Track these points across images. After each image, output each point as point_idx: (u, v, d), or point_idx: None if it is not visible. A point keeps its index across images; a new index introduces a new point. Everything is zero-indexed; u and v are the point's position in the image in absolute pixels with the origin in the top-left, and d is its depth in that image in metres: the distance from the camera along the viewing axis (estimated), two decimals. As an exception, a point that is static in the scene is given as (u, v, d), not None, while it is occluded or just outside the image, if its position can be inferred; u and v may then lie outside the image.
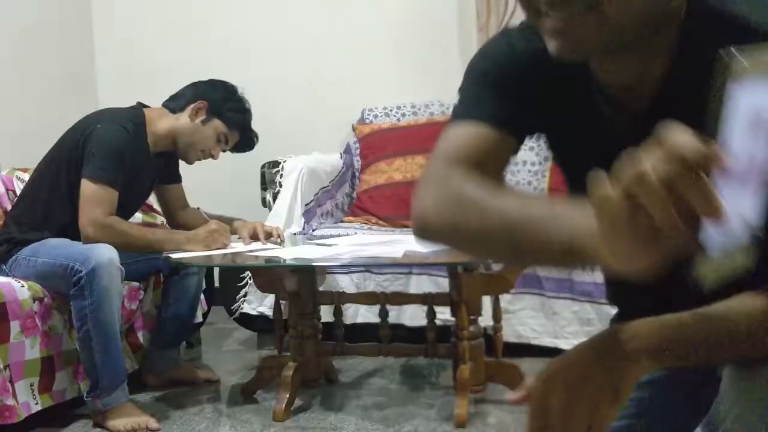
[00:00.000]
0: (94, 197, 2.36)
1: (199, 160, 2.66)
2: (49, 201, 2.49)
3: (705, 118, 0.66)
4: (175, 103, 2.62)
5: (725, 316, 0.82)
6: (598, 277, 2.75)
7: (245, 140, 2.69)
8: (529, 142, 3.85)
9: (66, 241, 2.41)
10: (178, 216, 2.80)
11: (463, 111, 1.10)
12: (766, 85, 0.65)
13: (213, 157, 2.66)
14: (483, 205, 0.87)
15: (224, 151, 2.69)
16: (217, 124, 2.60)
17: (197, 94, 2.61)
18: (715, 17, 0.84)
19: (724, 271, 0.66)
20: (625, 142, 0.74)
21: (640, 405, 1.05)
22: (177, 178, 2.81)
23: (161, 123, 2.58)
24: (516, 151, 1.04)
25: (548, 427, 0.85)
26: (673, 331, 0.83)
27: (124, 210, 2.53)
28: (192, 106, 2.58)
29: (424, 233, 0.97)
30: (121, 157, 2.43)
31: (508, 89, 1.03)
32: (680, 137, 0.62)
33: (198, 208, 2.78)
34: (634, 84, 0.88)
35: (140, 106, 2.63)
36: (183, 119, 2.59)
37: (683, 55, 0.87)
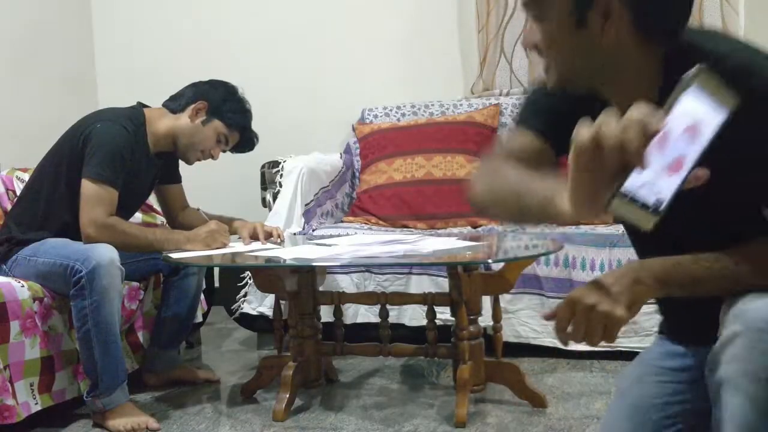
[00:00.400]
0: (94, 197, 2.36)
1: (199, 160, 2.66)
2: (49, 201, 2.49)
3: None
4: (175, 104, 2.62)
5: (713, 259, 1.12)
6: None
7: (245, 141, 2.68)
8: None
9: (66, 240, 2.41)
10: (178, 216, 2.80)
11: (520, 117, 1.37)
12: (707, 100, 0.92)
13: (213, 157, 2.66)
14: (507, 179, 1.21)
15: (224, 151, 2.69)
16: (217, 124, 2.60)
17: (197, 94, 2.61)
18: (689, 51, 1.11)
19: (627, 216, 0.92)
20: None
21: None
22: (177, 179, 2.81)
23: (161, 123, 2.58)
24: (554, 161, 1.30)
25: (574, 321, 1.11)
26: (673, 266, 1.13)
27: (124, 210, 2.53)
28: (192, 106, 2.58)
29: (474, 201, 1.27)
30: (121, 157, 2.43)
31: (553, 108, 1.31)
32: (640, 108, 0.91)
33: (198, 209, 2.78)
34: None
35: (140, 106, 2.63)
36: (183, 119, 2.58)
37: (667, 82, 1.09)
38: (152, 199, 2.90)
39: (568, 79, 1.20)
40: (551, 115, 1.30)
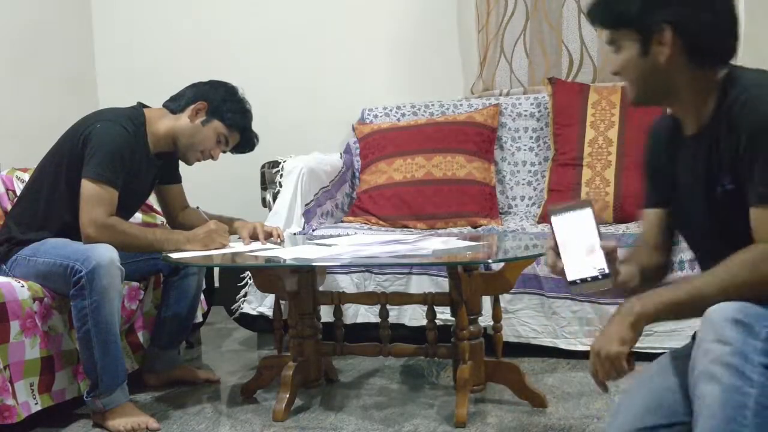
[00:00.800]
0: (94, 197, 2.36)
1: (199, 161, 2.66)
2: (50, 201, 2.49)
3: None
4: (175, 104, 2.62)
5: (697, 292, 1.35)
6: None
7: (246, 141, 2.68)
8: (529, 143, 3.87)
9: (66, 240, 2.41)
10: (179, 216, 2.80)
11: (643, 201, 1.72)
12: (571, 212, 1.40)
13: (213, 158, 2.65)
14: None
15: (224, 152, 2.68)
16: (216, 124, 2.59)
17: (197, 94, 2.61)
18: (733, 81, 1.42)
19: (590, 290, 1.40)
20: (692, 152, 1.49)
21: None
22: (177, 179, 2.81)
23: (161, 123, 2.58)
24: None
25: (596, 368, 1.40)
26: (665, 303, 1.36)
27: (125, 210, 2.53)
28: (192, 106, 2.58)
29: None
30: (122, 157, 2.42)
31: (653, 174, 1.68)
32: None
33: (198, 208, 2.77)
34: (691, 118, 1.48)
35: (141, 106, 2.63)
36: (183, 120, 2.58)
37: (719, 105, 1.43)
38: (152, 199, 2.90)
39: (640, 96, 1.51)
40: (655, 182, 1.64)
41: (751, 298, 1.27)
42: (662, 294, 1.37)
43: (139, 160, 2.51)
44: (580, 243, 1.38)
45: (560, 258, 1.40)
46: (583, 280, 1.36)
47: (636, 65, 1.47)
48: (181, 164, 2.76)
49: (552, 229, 1.39)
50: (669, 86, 1.46)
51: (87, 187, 2.37)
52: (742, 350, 1.22)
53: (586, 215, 1.39)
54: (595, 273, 1.35)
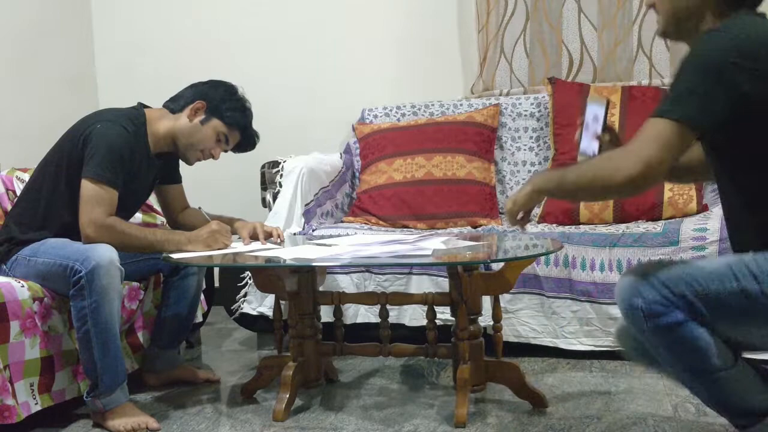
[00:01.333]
0: (94, 197, 2.36)
1: (200, 160, 2.66)
2: (49, 201, 2.48)
3: None
4: (175, 104, 2.62)
5: (563, 179, 1.74)
6: (596, 277, 2.76)
7: (246, 140, 2.68)
8: (529, 143, 3.86)
9: (66, 240, 2.41)
10: (179, 216, 2.80)
11: None
12: (595, 104, 1.90)
13: (213, 157, 2.65)
14: None
15: (225, 151, 2.68)
16: (216, 123, 2.59)
17: (196, 94, 2.61)
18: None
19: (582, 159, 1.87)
20: None
21: None
22: (177, 179, 2.81)
23: (161, 123, 2.58)
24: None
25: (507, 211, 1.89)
26: (547, 183, 1.80)
27: (124, 210, 2.53)
28: (191, 106, 2.58)
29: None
30: (121, 157, 2.42)
31: None
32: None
33: (199, 208, 2.77)
34: None
35: (141, 106, 2.63)
36: (182, 119, 2.58)
37: None
38: (152, 200, 2.90)
39: (669, 29, 1.74)
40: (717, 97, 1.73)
41: (597, 196, 1.96)
42: (550, 175, 1.82)
43: (139, 160, 2.51)
44: (593, 128, 1.87)
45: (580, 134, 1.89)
46: (583, 154, 1.87)
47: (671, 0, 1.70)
48: (182, 164, 2.76)
49: (584, 111, 1.91)
50: (697, 24, 1.68)
51: (87, 187, 2.37)
52: (636, 327, 1.66)
53: (600, 108, 1.87)
54: (589, 154, 1.86)
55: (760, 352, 1.78)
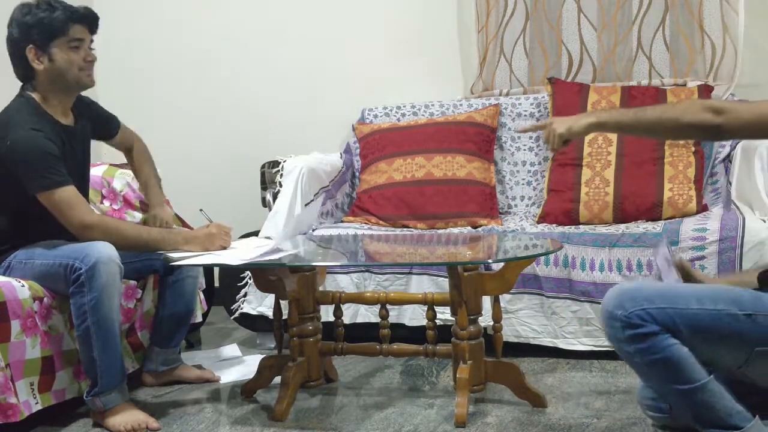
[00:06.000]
0: (63, 204, 2.33)
1: (89, 75, 2.50)
2: (16, 221, 2.46)
3: None
4: (21, 74, 2.47)
5: (640, 115, 1.85)
6: (596, 277, 2.76)
7: (85, 18, 2.45)
8: (529, 143, 3.85)
9: (60, 241, 2.40)
10: (133, 160, 2.82)
11: None
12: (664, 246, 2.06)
13: (91, 61, 2.48)
14: None
15: (92, 42, 2.49)
16: (55, 48, 2.41)
17: (16, 48, 2.43)
18: None
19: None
20: None
21: None
22: (111, 132, 2.76)
23: (42, 96, 2.46)
24: None
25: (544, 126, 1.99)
26: (614, 117, 1.90)
27: (82, 193, 2.47)
28: (28, 60, 2.42)
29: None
30: (50, 154, 2.34)
31: None
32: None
33: (201, 210, 2.75)
34: None
35: (23, 89, 2.50)
36: (40, 77, 2.44)
37: None
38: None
39: None
40: None
41: (678, 137, 2.03)
42: (616, 110, 1.91)
43: (60, 144, 2.42)
44: (668, 270, 1.95)
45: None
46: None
47: None
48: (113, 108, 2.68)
49: (655, 266, 2.11)
50: None
51: (48, 200, 2.33)
52: (614, 336, 1.78)
53: (664, 250, 2.01)
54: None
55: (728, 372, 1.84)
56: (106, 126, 2.75)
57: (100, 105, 2.74)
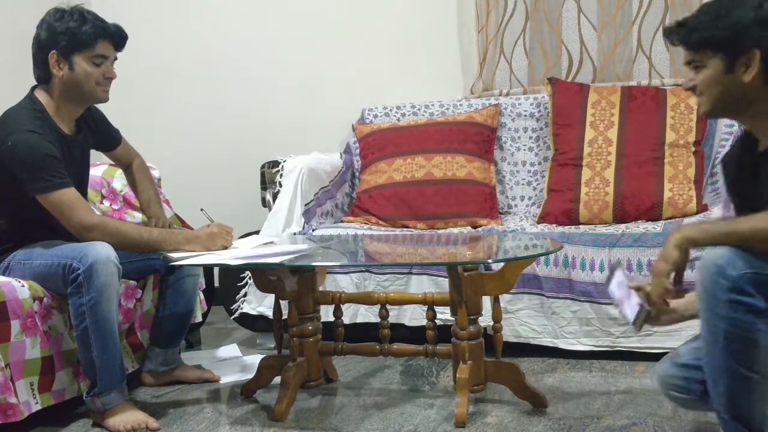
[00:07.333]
0: (63, 205, 2.33)
1: (106, 90, 2.50)
2: (15, 222, 2.46)
3: None
4: (39, 74, 2.47)
5: (733, 229, 1.63)
6: (596, 277, 2.76)
7: (114, 36, 2.47)
8: (529, 143, 3.85)
9: (58, 241, 2.40)
10: (133, 175, 2.81)
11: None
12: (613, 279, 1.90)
13: (110, 78, 2.50)
14: None
15: (116, 59, 2.52)
16: (79, 57, 2.42)
17: (40, 50, 2.44)
18: None
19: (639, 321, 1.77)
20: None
21: None
22: (113, 144, 2.75)
23: (51, 101, 2.46)
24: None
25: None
26: (706, 231, 1.66)
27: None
28: (49, 64, 2.42)
29: None
30: (51, 157, 2.34)
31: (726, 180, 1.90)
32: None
33: (202, 210, 2.75)
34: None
35: (32, 91, 2.50)
36: (56, 81, 2.44)
37: None
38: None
39: (717, 109, 1.75)
40: (728, 186, 1.85)
41: None
42: (706, 225, 1.70)
43: (60, 148, 2.41)
44: (624, 294, 1.83)
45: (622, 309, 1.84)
46: (635, 322, 1.77)
47: (718, 82, 1.69)
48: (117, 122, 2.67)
49: (613, 296, 1.90)
50: (748, 102, 1.70)
51: (48, 201, 2.33)
52: (713, 290, 1.59)
53: (619, 276, 1.88)
54: (635, 313, 1.76)
55: None
56: (107, 138, 2.74)
57: (107, 118, 2.73)
